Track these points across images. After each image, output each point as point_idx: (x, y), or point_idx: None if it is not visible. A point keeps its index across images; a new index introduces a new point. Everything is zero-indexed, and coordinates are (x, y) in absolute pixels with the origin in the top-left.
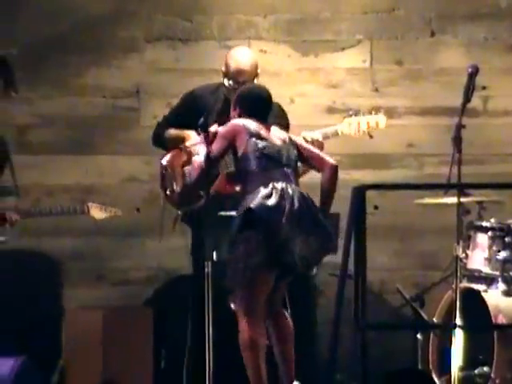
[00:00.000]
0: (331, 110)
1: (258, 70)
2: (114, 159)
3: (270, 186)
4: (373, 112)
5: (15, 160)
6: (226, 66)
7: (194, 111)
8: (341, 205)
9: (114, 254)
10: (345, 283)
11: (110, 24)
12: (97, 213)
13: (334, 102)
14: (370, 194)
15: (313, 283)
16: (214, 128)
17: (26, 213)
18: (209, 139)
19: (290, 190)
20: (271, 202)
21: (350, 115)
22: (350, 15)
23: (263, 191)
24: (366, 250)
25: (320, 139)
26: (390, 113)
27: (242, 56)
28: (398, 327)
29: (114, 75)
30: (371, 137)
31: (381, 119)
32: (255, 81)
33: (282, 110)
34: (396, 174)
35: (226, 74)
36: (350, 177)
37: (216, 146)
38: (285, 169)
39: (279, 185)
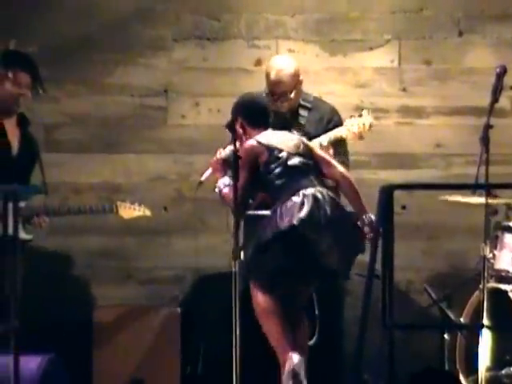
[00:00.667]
0: (359, 110)
1: (300, 78)
2: (141, 158)
3: (301, 194)
4: (365, 112)
5: (43, 158)
6: (266, 75)
7: None
8: (368, 204)
9: (142, 253)
10: (372, 283)
11: (138, 23)
12: (125, 212)
13: (362, 102)
14: (397, 193)
15: (340, 283)
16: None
17: (55, 211)
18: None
19: (320, 196)
20: (304, 211)
21: (350, 117)
22: (379, 15)
23: (295, 200)
24: (394, 249)
25: (324, 144)
26: (418, 112)
27: (280, 67)
28: (425, 327)
29: (142, 74)
30: (361, 138)
31: (367, 120)
32: (294, 92)
33: (336, 112)
34: (424, 173)
35: (266, 84)
36: (377, 176)
37: (241, 176)
38: (309, 175)
39: (308, 191)
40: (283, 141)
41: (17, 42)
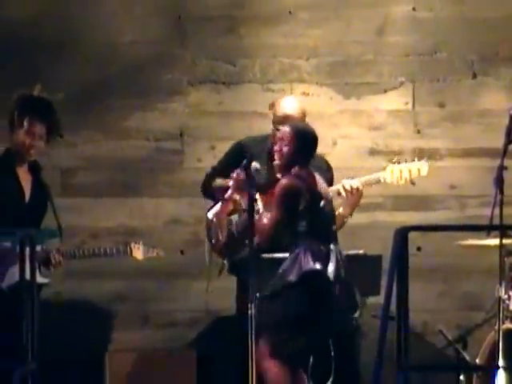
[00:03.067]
0: (374, 152)
1: (306, 120)
2: (157, 201)
3: (330, 247)
4: (415, 159)
5: (60, 203)
6: (274, 113)
7: (241, 161)
8: (383, 246)
9: (159, 296)
10: (387, 324)
11: (155, 67)
12: (139, 254)
13: (377, 144)
14: (412, 235)
15: (356, 325)
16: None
17: (70, 255)
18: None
19: (339, 256)
20: (332, 265)
21: (394, 163)
22: (392, 58)
23: (323, 249)
24: (409, 291)
25: (360, 187)
26: (432, 154)
27: (289, 103)
28: (440, 368)
29: (158, 118)
30: (413, 183)
31: (423, 166)
32: None
33: (328, 163)
34: (438, 215)
35: (274, 122)
36: (392, 218)
37: (277, 212)
38: (333, 227)
39: (332, 246)
40: (321, 185)
41: (42, 88)
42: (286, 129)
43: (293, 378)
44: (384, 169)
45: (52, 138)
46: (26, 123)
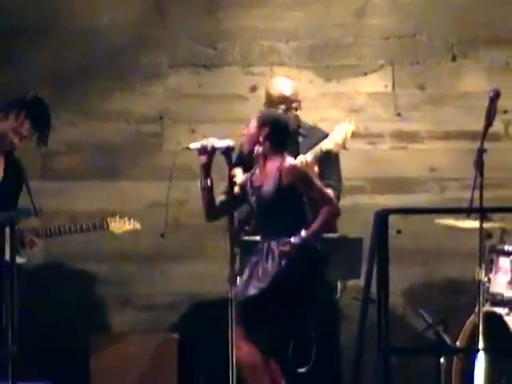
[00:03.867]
0: (354, 135)
1: (301, 102)
2: (137, 185)
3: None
4: (347, 121)
5: (40, 186)
6: (268, 95)
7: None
8: (363, 229)
9: (139, 279)
10: (367, 307)
11: (134, 50)
12: (116, 227)
13: (357, 127)
14: (392, 218)
15: (336, 307)
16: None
17: (46, 233)
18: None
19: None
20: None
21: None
22: (372, 40)
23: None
24: (389, 273)
25: (308, 160)
26: (413, 137)
27: (283, 83)
28: (420, 351)
29: (138, 101)
30: (345, 148)
31: (349, 127)
32: (298, 112)
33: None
34: (418, 198)
35: (268, 104)
36: (372, 201)
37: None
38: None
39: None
40: None
41: (35, 95)
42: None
43: (264, 363)
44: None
45: (40, 141)
46: (12, 119)
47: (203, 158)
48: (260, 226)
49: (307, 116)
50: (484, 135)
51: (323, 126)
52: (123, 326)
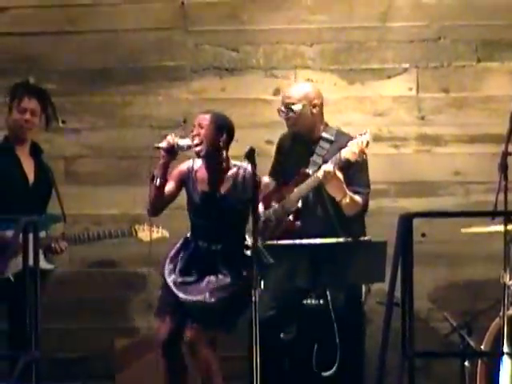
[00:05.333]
0: (378, 139)
1: (314, 101)
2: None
3: None
4: (365, 131)
5: (63, 191)
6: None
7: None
8: (388, 232)
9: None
10: (392, 311)
11: (157, 54)
12: (144, 235)
13: (381, 130)
14: (417, 221)
15: (361, 311)
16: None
17: (75, 239)
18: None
19: None
20: None
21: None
22: (396, 44)
23: None
24: (413, 277)
25: (330, 170)
26: (437, 140)
27: (293, 86)
28: (445, 355)
29: (161, 105)
30: (363, 157)
31: (364, 138)
32: (299, 105)
33: None
34: (443, 201)
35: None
36: (397, 205)
37: None
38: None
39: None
40: None
41: (35, 78)
42: (204, 115)
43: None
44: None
45: (50, 118)
46: (15, 102)
47: (167, 157)
48: (206, 228)
49: (330, 119)
50: (508, 138)
51: (347, 130)
52: (148, 330)
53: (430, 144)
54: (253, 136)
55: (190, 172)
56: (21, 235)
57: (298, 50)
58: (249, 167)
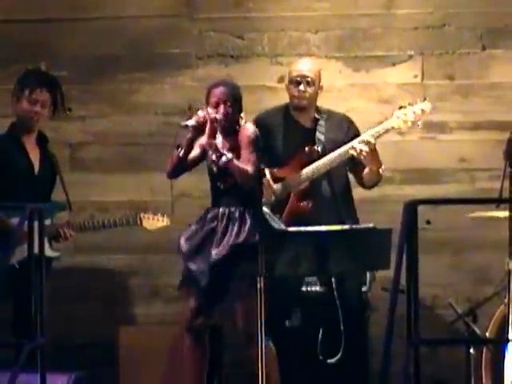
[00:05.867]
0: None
1: (321, 83)
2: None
3: None
4: (418, 100)
5: (69, 178)
6: (288, 75)
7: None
8: (393, 220)
9: (167, 270)
10: (397, 298)
11: (163, 41)
12: (149, 223)
13: (386, 118)
14: (422, 208)
15: (365, 298)
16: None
17: (80, 227)
18: None
19: None
20: None
21: (400, 108)
22: (401, 31)
23: None
24: (418, 264)
25: (371, 141)
26: (442, 128)
27: (303, 62)
28: (450, 342)
29: (167, 92)
30: (418, 125)
31: (426, 105)
32: (319, 93)
33: (348, 120)
34: (448, 188)
35: (289, 83)
36: (402, 192)
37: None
38: None
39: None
40: None
41: (47, 64)
42: (222, 89)
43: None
44: (391, 116)
45: (58, 108)
46: (27, 92)
47: (194, 133)
48: (223, 193)
49: (335, 106)
50: None
51: (352, 117)
52: (152, 317)
53: (435, 131)
54: None
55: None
56: (26, 222)
57: (303, 37)
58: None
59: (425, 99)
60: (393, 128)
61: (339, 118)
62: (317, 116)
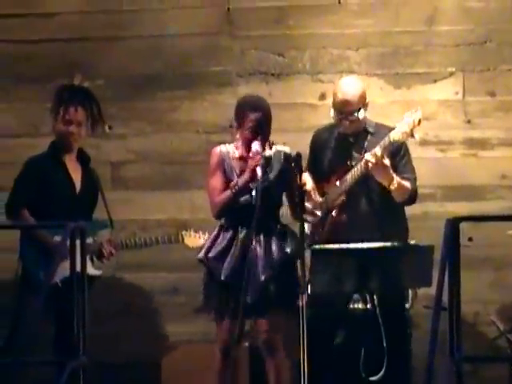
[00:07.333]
0: (424, 143)
1: (367, 100)
2: (207, 194)
3: None
4: (411, 112)
5: (110, 196)
6: (333, 96)
7: (314, 153)
8: (435, 237)
9: None
10: (439, 315)
11: (203, 59)
12: (191, 241)
13: (427, 134)
14: (464, 225)
15: (407, 316)
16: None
17: (122, 245)
18: None
19: None
20: None
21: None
22: (442, 48)
23: None
24: (460, 281)
25: (378, 153)
26: (483, 144)
27: (348, 86)
28: (493, 359)
29: (207, 110)
30: (413, 137)
31: (417, 114)
32: (362, 111)
33: None
34: (490, 205)
35: (333, 105)
36: (444, 209)
37: None
38: None
39: None
40: None
41: (82, 77)
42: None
43: None
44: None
45: (96, 124)
46: (61, 111)
47: (255, 172)
48: (243, 213)
49: None
50: None
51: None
52: (194, 335)
53: (477, 148)
54: (299, 141)
55: (226, 160)
56: (68, 241)
57: (344, 54)
58: (285, 149)
59: (416, 110)
60: (394, 140)
61: (385, 131)
62: (366, 128)
